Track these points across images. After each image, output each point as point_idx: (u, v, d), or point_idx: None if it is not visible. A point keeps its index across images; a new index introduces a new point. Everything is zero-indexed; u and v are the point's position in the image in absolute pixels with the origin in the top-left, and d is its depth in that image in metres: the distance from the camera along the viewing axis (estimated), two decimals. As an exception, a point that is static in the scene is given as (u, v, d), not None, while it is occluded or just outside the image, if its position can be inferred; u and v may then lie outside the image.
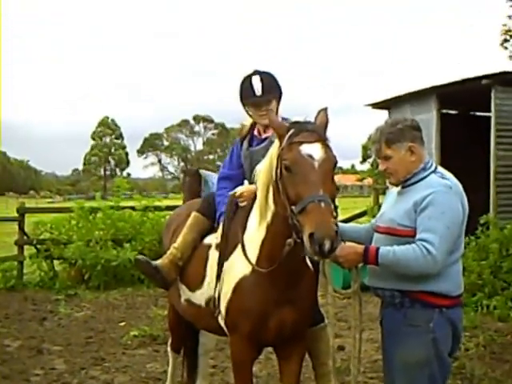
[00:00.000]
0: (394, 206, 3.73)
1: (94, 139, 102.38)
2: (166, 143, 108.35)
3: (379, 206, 12.51)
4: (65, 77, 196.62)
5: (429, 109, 12.86)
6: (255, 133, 4.71)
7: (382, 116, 14.76)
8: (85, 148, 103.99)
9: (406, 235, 3.53)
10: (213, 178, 9.80)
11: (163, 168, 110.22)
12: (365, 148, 61.40)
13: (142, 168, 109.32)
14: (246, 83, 4.55)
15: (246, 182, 4.72)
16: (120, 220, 12.87)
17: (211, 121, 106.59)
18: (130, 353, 7.68)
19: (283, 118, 4.45)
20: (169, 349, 5.75)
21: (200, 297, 4.46)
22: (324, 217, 3.18)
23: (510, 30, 13.25)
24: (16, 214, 13.16)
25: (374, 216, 10.19)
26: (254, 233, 3.99)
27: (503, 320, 8.87)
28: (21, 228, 12.89)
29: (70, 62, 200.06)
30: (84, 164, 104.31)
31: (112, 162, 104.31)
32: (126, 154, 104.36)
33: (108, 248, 12.16)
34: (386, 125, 3.76)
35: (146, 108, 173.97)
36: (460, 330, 3.74)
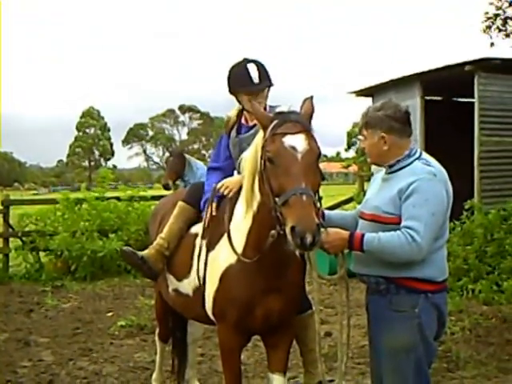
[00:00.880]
0: (378, 192, 3.74)
1: (78, 130, 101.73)
2: (150, 133, 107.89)
3: (365, 193, 12.55)
4: (49, 67, 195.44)
5: (413, 95, 12.89)
6: (243, 121, 4.68)
7: (366, 103, 14.79)
8: (69, 139, 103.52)
9: (390, 222, 3.53)
10: (196, 163, 9.87)
11: (148, 158, 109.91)
12: (350, 135, 61.55)
13: (126, 158, 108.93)
14: (241, 71, 4.46)
15: (235, 172, 4.71)
16: (105, 210, 12.81)
17: (197, 111, 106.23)
18: (118, 343, 7.68)
19: (271, 106, 4.46)
20: (156, 338, 5.77)
21: (187, 286, 4.45)
22: (305, 210, 3.18)
23: (491, 17, 13.24)
24: (0, 207, 13.08)
25: (359, 202, 10.24)
26: (241, 222, 3.98)
27: (488, 304, 8.95)
28: (6, 220, 12.82)
29: (55, 53, 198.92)
30: (68, 155, 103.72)
31: (96, 153, 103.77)
32: (111, 144, 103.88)
33: (94, 239, 12.13)
34: (374, 107, 3.76)
35: (131, 97, 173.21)
36: (445, 315, 3.77)
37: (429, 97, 14.07)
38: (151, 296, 8.84)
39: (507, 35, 13.33)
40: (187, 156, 9.94)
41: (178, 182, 9.66)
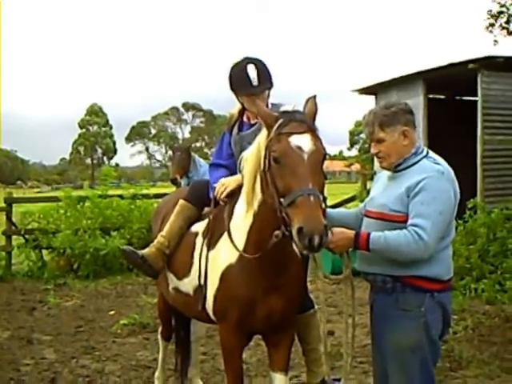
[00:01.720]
0: (385, 190, 3.71)
1: (81, 127, 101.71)
2: (153, 131, 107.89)
3: (368, 191, 12.54)
4: (52, 65, 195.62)
5: (416, 94, 12.88)
6: (245, 119, 4.67)
7: (369, 102, 14.79)
8: (72, 137, 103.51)
9: (398, 220, 3.52)
10: (200, 161, 9.87)
11: (151, 156, 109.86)
12: (352, 134, 61.50)
13: (129, 156, 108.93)
14: (241, 72, 4.41)
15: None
16: (108, 208, 12.82)
17: (199, 109, 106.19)
18: (120, 341, 7.68)
19: (273, 104, 4.44)
20: (159, 337, 5.77)
21: (188, 285, 4.44)
22: (313, 211, 3.16)
23: (494, 15, 13.21)
24: (3, 205, 13.10)
25: (362, 201, 10.22)
26: (241, 220, 3.97)
27: (491, 303, 8.93)
28: (8, 218, 12.84)
29: (58, 51, 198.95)
30: (71, 153, 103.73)
31: (99, 151, 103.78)
32: (114, 142, 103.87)
33: (96, 237, 12.12)
34: (380, 107, 3.73)
35: (134, 96, 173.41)
36: (450, 314, 3.76)
37: (432, 95, 14.06)
38: (154, 294, 8.84)
39: (510, 33, 13.29)
40: (192, 153, 9.95)
41: (179, 180, 9.63)
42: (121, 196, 13.29)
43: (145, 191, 13.92)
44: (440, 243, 3.51)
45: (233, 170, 4.57)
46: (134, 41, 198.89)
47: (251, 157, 3.78)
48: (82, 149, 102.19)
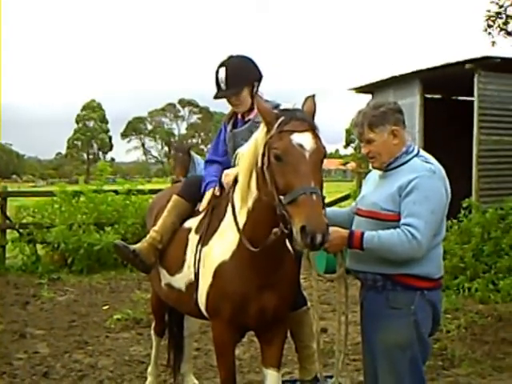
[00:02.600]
0: (376, 189, 3.72)
1: (77, 123, 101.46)
2: (149, 127, 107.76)
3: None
4: (49, 60, 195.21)
5: (412, 93, 12.88)
6: (239, 116, 4.69)
7: (365, 100, 14.79)
8: (68, 132, 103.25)
9: (389, 219, 3.52)
10: (198, 158, 9.91)
11: (146, 152, 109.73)
12: (348, 132, 61.49)
13: (125, 152, 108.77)
14: (215, 74, 4.54)
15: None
16: (103, 204, 12.80)
17: (196, 105, 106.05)
18: (114, 336, 7.68)
19: (266, 101, 4.44)
20: (152, 332, 5.77)
21: (180, 281, 4.44)
22: (316, 210, 3.17)
23: (493, 16, 13.19)
24: (-2, 198, 13.07)
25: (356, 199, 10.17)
26: (238, 217, 3.97)
27: (484, 302, 8.97)
28: (3, 212, 12.82)
29: (55, 45, 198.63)
30: (67, 148, 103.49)
31: (95, 146, 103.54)
32: (110, 137, 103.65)
33: (91, 232, 12.11)
34: (369, 108, 3.73)
35: (130, 91, 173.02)
36: (439, 312, 3.77)
37: (428, 95, 14.06)
38: (147, 290, 8.85)
39: (509, 34, 13.28)
40: (191, 152, 10.00)
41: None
42: (116, 191, 13.27)
43: (140, 187, 13.93)
44: (431, 242, 3.52)
45: (227, 166, 4.58)
46: (132, 36, 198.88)
47: (247, 153, 3.78)
48: (78, 144, 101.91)
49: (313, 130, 3.44)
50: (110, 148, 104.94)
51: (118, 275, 11.63)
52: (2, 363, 6.65)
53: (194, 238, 4.35)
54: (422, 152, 3.74)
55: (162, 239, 4.63)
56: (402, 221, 3.46)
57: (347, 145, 67.15)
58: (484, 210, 10.78)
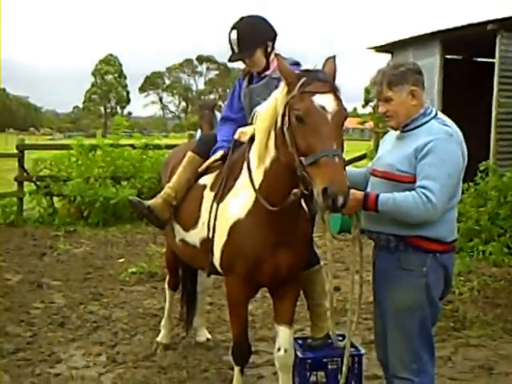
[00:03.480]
0: (392, 150, 3.68)
1: (95, 76, 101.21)
2: (167, 82, 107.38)
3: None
4: (67, 13, 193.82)
5: (432, 54, 12.71)
6: (255, 73, 4.65)
7: (384, 60, 14.62)
8: (86, 85, 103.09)
9: (404, 181, 3.50)
10: (218, 115, 9.89)
11: (164, 107, 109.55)
12: (367, 91, 60.86)
13: (142, 106, 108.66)
14: (228, 37, 4.49)
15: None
16: (119, 158, 12.87)
17: (214, 61, 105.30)
18: (128, 289, 7.79)
19: (284, 59, 4.41)
20: (166, 286, 5.86)
21: (195, 237, 4.47)
22: (338, 172, 3.17)
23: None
24: (16, 151, 13.16)
25: (373, 159, 10.13)
26: (254, 174, 3.98)
27: (498, 265, 8.97)
28: (20, 164, 12.92)
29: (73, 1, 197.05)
30: (84, 102, 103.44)
31: (113, 101, 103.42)
32: (127, 92, 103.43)
33: (107, 185, 12.21)
34: (389, 67, 3.69)
35: (149, 47, 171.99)
36: (451, 275, 3.76)
37: (449, 55, 13.87)
38: (163, 244, 8.91)
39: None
40: None
41: None
42: (132, 146, 13.31)
43: (156, 141, 13.93)
44: (446, 205, 3.49)
45: (241, 123, 4.57)
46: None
47: (266, 112, 3.75)
48: (95, 98, 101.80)
49: (334, 91, 3.41)
50: (128, 102, 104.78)
51: (133, 229, 11.75)
52: (21, 312, 6.78)
53: (209, 195, 4.36)
54: (440, 114, 3.68)
55: (176, 195, 4.65)
56: (418, 183, 3.43)
57: (366, 104, 66.50)
58: (501, 173, 10.69)
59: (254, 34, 4.43)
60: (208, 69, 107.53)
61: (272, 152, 3.73)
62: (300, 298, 4.51)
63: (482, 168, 10.70)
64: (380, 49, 14.81)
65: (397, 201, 3.42)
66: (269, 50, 4.48)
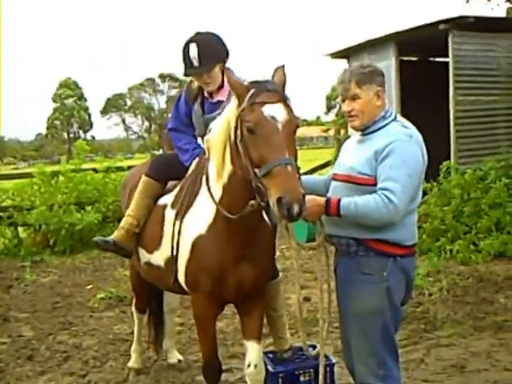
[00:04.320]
0: (353, 154, 3.69)
1: (55, 101, 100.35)
2: (129, 103, 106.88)
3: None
4: (21, 39, 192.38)
5: (388, 56, 12.83)
6: (206, 94, 4.62)
7: (341, 66, 14.71)
8: (47, 111, 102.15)
9: (365, 183, 3.51)
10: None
11: (127, 128, 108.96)
12: (329, 99, 61.38)
13: (106, 128, 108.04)
14: (184, 52, 4.45)
15: (199, 139, 4.68)
16: (82, 183, 12.72)
17: (176, 79, 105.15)
18: (98, 315, 7.68)
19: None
20: (133, 309, 5.77)
21: (159, 258, 4.43)
22: (292, 181, 3.16)
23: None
24: (-23, 182, 12.94)
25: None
26: (213, 190, 3.96)
27: (465, 263, 9.05)
28: (-18, 196, 12.68)
29: (29, 24, 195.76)
30: (47, 128, 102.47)
31: (75, 125, 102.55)
32: (89, 115, 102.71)
33: (72, 212, 12.02)
34: (356, 66, 3.72)
35: (108, 67, 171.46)
36: (412, 280, 3.77)
37: (404, 57, 14.02)
38: (130, 267, 8.83)
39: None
40: None
41: None
42: (95, 170, 13.19)
43: (119, 164, 13.83)
44: (407, 206, 3.50)
45: (193, 137, 4.63)
46: (107, 12, 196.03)
47: (220, 127, 3.75)
48: (57, 123, 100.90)
49: (284, 101, 3.42)
50: (91, 126, 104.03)
51: (100, 254, 11.50)
52: (-14, 348, 6.63)
53: (170, 214, 4.33)
54: (400, 117, 3.72)
55: (138, 223, 4.63)
56: (379, 185, 3.44)
57: (328, 111, 67.04)
58: (463, 171, 10.83)
59: (213, 50, 4.43)
60: (169, 87, 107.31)
61: (229, 166, 3.72)
62: (265, 312, 4.49)
63: (444, 167, 10.83)
64: (336, 55, 14.90)
65: (358, 204, 3.42)
66: (224, 66, 4.47)
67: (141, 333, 5.74)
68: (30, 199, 12.59)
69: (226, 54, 4.52)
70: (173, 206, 4.34)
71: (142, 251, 4.70)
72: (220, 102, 4.44)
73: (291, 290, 7.42)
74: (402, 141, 3.47)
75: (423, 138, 3.65)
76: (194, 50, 4.40)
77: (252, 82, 3.53)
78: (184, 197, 4.23)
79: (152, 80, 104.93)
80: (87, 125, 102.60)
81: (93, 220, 11.59)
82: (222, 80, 4.46)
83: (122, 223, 4.69)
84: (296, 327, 6.12)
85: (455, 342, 6.05)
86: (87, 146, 13.82)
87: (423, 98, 13.85)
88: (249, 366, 4.24)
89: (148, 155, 22.00)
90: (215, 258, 3.93)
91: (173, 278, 4.24)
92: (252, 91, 3.41)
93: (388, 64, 12.57)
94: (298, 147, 3.49)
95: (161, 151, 10.40)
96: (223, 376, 4.45)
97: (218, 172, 3.84)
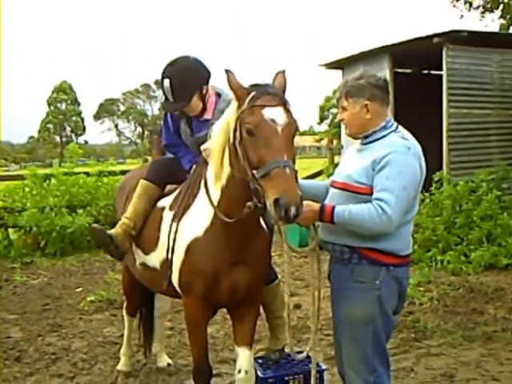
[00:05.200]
0: (352, 162, 3.70)
1: (49, 105, 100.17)
2: (122, 108, 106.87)
3: (335, 166, 12.58)
4: (18, 41, 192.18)
5: (382, 68, 12.90)
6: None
7: (336, 77, 14.80)
8: (41, 114, 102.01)
9: (361, 192, 3.52)
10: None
11: (120, 133, 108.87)
12: (322, 109, 61.46)
13: (99, 133, 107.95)
14: (162, 84, 4.45)
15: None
16: (74, 186, 12.68)
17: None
18: (87, 318, 7.65)
19: (219, 94, 4.48)
20: (124, 312, 5.75)
21: (155, 259, 4.42)
22: (289, 182, 3.17)
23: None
24: (-32, 184, 12.89)
25: (329, 175, 10.24)
26: (211, 193, 3.97)
27: (456, 274, 9.10)
28: (-27, 197, 12.63)
29: (25, 29, 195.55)
30: (39, 131, 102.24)
31: (68, 129, 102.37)
32: (82, 119, 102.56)
33: (63, 214, 11.98)
34: (353, 77, 3.73)
35: (103, 73, 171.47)
36: (405, 289, 3.77)
37: (398, 69, 14.10)
38: (121, 270, 8.78)
39: (476, 7, 13.35)
40: None
41: None
42: (87, 173, 13.16)
43: (111, 168, 13.82)
44: (402, 218, 3.50)
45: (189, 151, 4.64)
46: (106, 15, 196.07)
47: (219, 130, 3.76)
48: (50, 127, 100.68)
49: (284, 104, 3.44)
50: (83, 130, 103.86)
51: (91, 257, 11.55)
52: (-26, 349, 6.59)
53: (168, 215, 4.33)
54: (401, 128, 3.71)
55: (135, 226, 4.60)
56: (374, 195, 3.44)
57: (321, 121, 67.14)
58: (455, 182, 10.89)
59: (188, 82, 4.38)
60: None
61: (227, 169, 3.72)
62: (261, 316, 4.49)
63: (436, 178, 10.89)
64: (330, 65, 14.97)
65: (352, 213, 3.43)
66: (204, 92, 4.46)
67: (131, 336, 5.73)
68: (22, 201, 12.52)
69: (203, 80, 4.48)
70: (171, 208, 4.35)
71: (138, 252, 4.69)
72: (207, 121, 4.44)
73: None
74: (400, 152, 3.47)
75: (417, 150, 3.67)
76: (167, 85, 4.39)
77: (252, 85, 3.55)
78: (182, 199, 4.24)
79: (148, 86, 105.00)
80: (80, 129, 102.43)
81: (84, 223, 11.54)
82: (204, 104, 4.47)
83: (119, 223, 4.67)
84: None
85: (445, 351, 6.07)
86: (80, 150, 13.79)
87: (416, 109, 13.94)
88: (239, 371, 4.21)
89: (140, 161, 21.98)
90: (210, 262, 3.92)
91: (167, 281, 4.23)
92: (252, 94, 3.43)
93: (382, 75, 12.61)
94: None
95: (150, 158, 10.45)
96: (213, 381, 4.41)
97: (216, 174, 3.85)
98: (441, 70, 12.03)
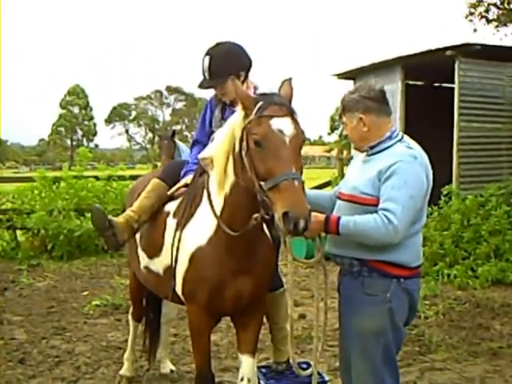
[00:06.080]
0: (357, 173, 3.69)
1: (62, 108, 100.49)
2: (134, 113, 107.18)
3: (343, 177, 12.55)
4: (31, 44, 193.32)
5: (394, 79, 12.88)
6: (227, 101, 4.60)
7: (347, 87, 14.77)
8: (52, 117, 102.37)
9: (368, 204, 3.49)
10: (181, 146, 9.92)
11: (131, 138, 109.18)
12: (332, 119, 61.53)
13: (109, 138, 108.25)
14: (201, 63, 4.46)
15: None
16: (83, 189, 12.72)
17: (182, 92, 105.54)
18: (92, 322, 7.65)
19: (255, 87, 4.47)
20: (130, 317, 5.75)
21: (158, 265, 4.41)
22: (298, 195, 3.16)
23: (474, 3, 13.25)
24: (-23, 184, 12.96)
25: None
26: (214, 201, 3.95)
27: (463, 289, 9.05)
28: (-18, 198, 12.69)
29: (38, 29, 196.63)
30: (50, 134, 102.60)
31: (79, 133, 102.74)
32: (94, 124, 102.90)
33: (71, 218, 12.03)
34: (348, 92, 3.73)
35: (116, 77, 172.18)
36: (416, 301, 3.73)
37: (410, 81, 14.08)
38: (127, 276, 8.78)
39: (489, 21, 13.34)
40: (175, 140, 10.00)
41: None
42: (96, 177, 13.21)
43: (120, 173, 13.85)
44: (410, 229, 3.48)
45: None
46: (119, 21, 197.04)
47: (223, 138, 3.74)
48: (61, 130, 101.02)
49: (292, 114, 3.42)
50: (95, 134, 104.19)
51: (98, 261, 11.58)
52: (-22, 349, 6.60)
53: (171, 223, 4.31)
54: (406, 138, 3.70)
55: (138, 218, 4.54)
56: (380, 205, 3.42)
57: (331, 131, 67.18)
58: (464, 196, 10.85)
59: (226, 63, 4.37)
60: (175, 99, 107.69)
61: (231, 177, 3.71)
62: (264, 326, 4.47)
63: (445, 192, 10.85)
64: (342, 76, 14.95)
65: (358, 223, 3.41)
66: (241, 79, 4.42)
67: (135, 341, 5.72)
68: (30, 203, 12.58)
69: (242, 66, 4.47)
70: (174, 215, 4.33)
71: (142, 254, 4.69)
72: None
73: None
74: (406, 162, 3.45)
75: (427, 162, 3.65)
76: (206, 62, 4.40)
77: (260, 95, 3.54)
78: (185, 208, 4.21)
79: (160, 92, 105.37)
80: (91, 133, 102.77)
81: (92, 227, 11.54)
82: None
83: (123, 214, 4.62)
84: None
85: (449, 366, 6.02)
86: (90, 154, 13.83)
87: (427, 122, 13.89)
88: (242, 379, 4.19)
89: (150, 166, 22.00)
90: (213, 271, 3.90)
91: (171, 291, 4.22)
92: (260, 104, 3.40)
93: (394, 87, 12.63)
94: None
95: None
96: (215, 388, 4.41)
97: (219, 183, 3.83)
98: (453, 82, 11.99)
